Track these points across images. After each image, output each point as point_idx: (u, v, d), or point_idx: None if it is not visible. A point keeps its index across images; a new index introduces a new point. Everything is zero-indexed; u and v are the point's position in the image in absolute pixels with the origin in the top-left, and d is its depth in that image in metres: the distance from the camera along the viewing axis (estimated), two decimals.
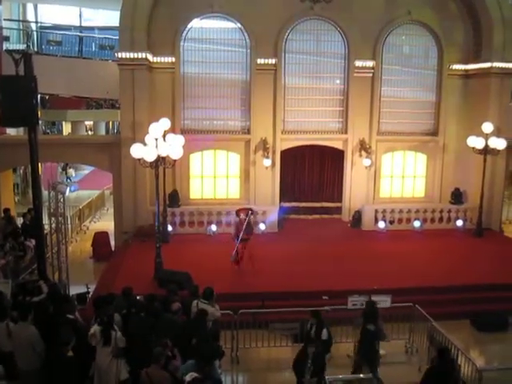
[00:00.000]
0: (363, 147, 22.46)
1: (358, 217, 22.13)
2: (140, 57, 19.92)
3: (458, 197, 22.94)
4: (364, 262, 17.51)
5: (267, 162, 21.84)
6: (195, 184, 22.54)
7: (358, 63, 22.19)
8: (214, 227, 20.69)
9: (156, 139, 15.24)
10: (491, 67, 21.81)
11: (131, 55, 19.84)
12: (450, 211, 22.52)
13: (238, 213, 17.59)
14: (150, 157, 15.01)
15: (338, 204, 23.41)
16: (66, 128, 42.06)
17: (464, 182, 23.01)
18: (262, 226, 20.94)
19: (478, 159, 21.08)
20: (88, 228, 25.23)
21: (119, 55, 19.95)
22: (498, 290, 15.97)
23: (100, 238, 21.28)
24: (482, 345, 14.18)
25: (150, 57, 20.43)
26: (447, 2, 22.36)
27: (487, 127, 20.55)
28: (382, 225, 21.78)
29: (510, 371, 11.44)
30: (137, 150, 15.13)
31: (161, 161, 15.46)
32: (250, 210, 17.65)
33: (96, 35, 28.12)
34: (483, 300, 15.44)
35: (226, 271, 16.28)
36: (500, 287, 16.08)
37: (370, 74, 22.43)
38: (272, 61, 21.74)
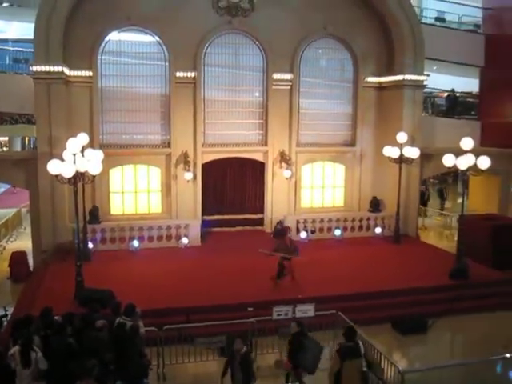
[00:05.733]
0: (283, 159, 22.83)
1: (279, 227, 22.38)
2: (56, 70, 19.41)
3: (376, 205, 23.71)
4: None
5: (188, 176, 21.81)
6: (116, 199, 22.15)
7: (276, 76, 22.56)
8: (136, 243, 20.38)
9: (74, 154, 14.90)
10: (403, 79, 22.70)
11: (47, 69, 19.29)
12: (368, 219, 23.18)
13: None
14: (68, 173, 14.63)
15: (260, 215, 23.62)
16: None
17: (381, 191, 23.78)
18: (184, 240, 20.84)
19: (394, 168, 21.85)
20: (5, 248, 24.20)
21: (34, 69, 19.36)
22: (417, 293, 16.56)
23: (17, 257, 20.42)
24: (404, 347, 14.59)
25: (66, 70, 19.96)
26: (361, 17, 23.13)
27: (401, 137, 21.33)
28: (303, 235, 22.13)
29: (431, 372, 11.90)
30: (54, 166, 14.70)
31: (79, 176, 15.10)
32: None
33: (10, 48, 27.22)
34: (403, 304, 15.93)
35: (149, 287, 16.06)
36: (418, 291, 16.69)
37: (288, 87, 22.85)
38: (191, 74, 21.76)
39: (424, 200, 30.49)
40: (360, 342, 10.79)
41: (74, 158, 14.85)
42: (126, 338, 10.47)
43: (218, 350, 12.93)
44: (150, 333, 12.14)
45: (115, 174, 21.98)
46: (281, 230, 18.47)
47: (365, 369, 10.50)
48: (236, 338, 10.37)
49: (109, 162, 20.12)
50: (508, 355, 12.18)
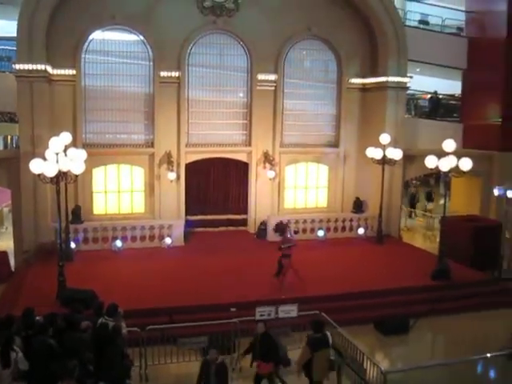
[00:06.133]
0: (267, 159, 22.87)
1: (263, 228, 22.44)
2: (39, 69, 19.27)
3: (359, 206, 23.83)
4: (270, 272, 17.75)
5: (172, 176, 21.76)
6: (99, 199, 22.03)
7: (261, 76, 22.60)
8: (118, 243, 20.27)
9: (57, 154, 14.80)
10: (387, 81, 22.86)
11: (29, 67, 19.13)
12: (351, 220, 23.27)
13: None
14: (51, 172, 14.55)
15: (244, 216, 23.63)
16: None
17: (364, 192, 23.90)
18: (167, 240, 20.79)
19: (377, 169, 21.97)
20: None
21: (17, 67, 19.18)
22: (399, 294, 16.68)
23: None
24: (386, 348, 14.69)
25: (49, 69, 19.83)
26: (345, 18, 23.24)
27: (384, 138, 21.48)
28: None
29: (413, 372, 11.99)
30: (36, 166, 14.62)
31: (62, 176, 15.01)
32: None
33: None
34: (385, 304, 16.03)
35: (132, 287, 16.02)
36: (401, 291, 16.82)
37: (273, 88, 22.90)
38: (175, 74, 21.72)
39: (414, 202, 30.71)
40: (328, 333, 11.06)
41: (57, 157, 14.76)
42: (108, 338, 10.41)
43: (200, 350, 12.92)
44: (133, 333, 12.11)
45: (98, 173, 21.86)
46: (281, 227, 18.62)
47: (332, 357, 10.90)
48: (211, 348, 10.42)
49: (92, 162, 20.00)
50: (489, 355, 12.32)
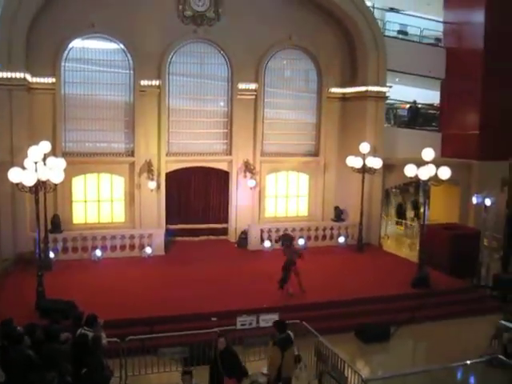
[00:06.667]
0: (247, 168, 22.89)
1: (244, 237, 22.43)
2: (18, 77, 19.08)
3: (339, 214, 23.90)
4: (251, 281, 17.74)
5: (152, 185, 21.67)
6: (78, 208, 21.84)
7: (241, 86, 22.66)
8: (98, 252, 20.12)
9: (36, 163, 14.66)
10: (367, 91, 23.04)
11: (8, 75, 18.93)
12: (332, 228, 23.36)
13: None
14: (29, 181, 14.39)
15: (225, 225, 23.59)
16: None
17: (345, 200, 24.00)
18: (147, 250, 20.67)
19: (357, 178, 22.10)
20: None
21: None
22: (380, 302, 16.75)
23: None
24: (367, 356, 14.74)
25: (28, 77, 19.68)
26: (326, 28, 23.42)
27: (364, 147, 21.62)
28: (267, 244, 22.18)
29: (394, 379, 12.01)
30: (15, 174, 14.44)
31: (41, 185, 14.88)
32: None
33: None
34: (366, 312, 16.08)
35: (112, 297, 15.89)
36: (381, 299, 16.88)
37: (253, 97, 22.96)
38: (156, 82, 21.69)
39: (402, 212, 30.46)
40: (290, 332, 11.33)
41: (36, 166, 14.61)
42: (87, 349, 10.31)
43: (181, 360, 12.84)
44: (113, 344, 12.00)
45: (78, 182, 21.69)
46: (289, 237, 18.73)
47: (297, 353, 11.38)
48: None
49: (71, 171, 19.81)
50: (469, 362, 12.40)
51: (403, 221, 29.71)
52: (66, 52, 20.88)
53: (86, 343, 10.49)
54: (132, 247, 20.82)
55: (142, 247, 20.78)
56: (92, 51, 21.36)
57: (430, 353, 15.42)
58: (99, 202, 22.11)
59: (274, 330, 11.44)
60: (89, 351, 10.23)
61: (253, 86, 22.81)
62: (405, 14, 29.54)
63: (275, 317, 13.31)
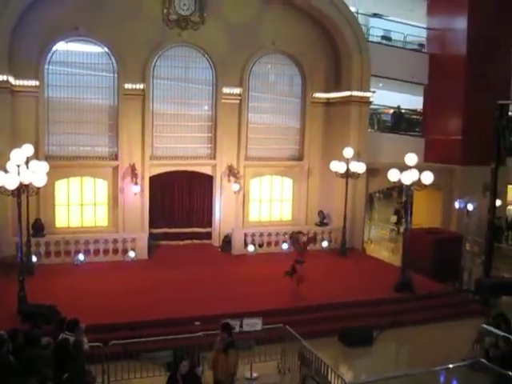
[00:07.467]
0: (231, 172, 22.88)
1: (227, 241, 22.40)
2: (0, 79, 18.99)
3: (322, 219, 23.97)
4: (235, 285, 17.72)
5: (136, 189, 21.58)
6: (61, 212, 21.70)
7: (226, 90, 22.66)
8: (81, 256, 19.97)
9: (18, 166, 14.53)
10: (351, 96, 23.15)
11: None
12: (315, 233, 23.39)
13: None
14: (12, 184, 14.27)
15: (209, 229, 23.54)
16: None
17: (328, 205, 24.05)
18: (131, 254, 20.57)
19: (341, 182, 22.18)
20: None
21: None
22: (363, 306, 16.81)
23: None
24: (350, 360, 14.75)
25: (11, 79, 19.56)
26: (310, 33, 23.50)
27: (348, 152, 21.72)
28: (251, 248, 22.17)
29: (377, 383, 12.05)
30: None
31: (23, 188, 14.75)
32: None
33: None
34: (350, 316, 16.10)
35: (94, 302, 15.74)
36: (364, 303, 16.96)
37: (238, 101, 22.98)
38: (140, 86, 21.62)
39: (400, 217, 30.00)
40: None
41: (18, 169, 14.49)
42: (68, 354, 10.22)
43: (164, 365, 12.77)
44: (95, 349, 11.91)
45: (61, 186, 21.55)
46: (297, 236, 19.08)
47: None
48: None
49: (54, 174, 19.69)
50: (451, 365, 12.47)
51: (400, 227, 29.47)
52: (50, 55, 20.77)
53: (67, 348, 10.41)
54: (115, 251, 20.69)
55: (125, 251, 20.68)
56: (76, 54, 21.27)
57: (413, 356, 15.49)
58: (82, 205, 21.98)
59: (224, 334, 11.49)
60: (70, 356, 10.15)
61: (237, 90, 22.83)
62: (388, 20, 29.76)
63: (258, 321, 13.34)
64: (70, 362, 10.00)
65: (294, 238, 18.93)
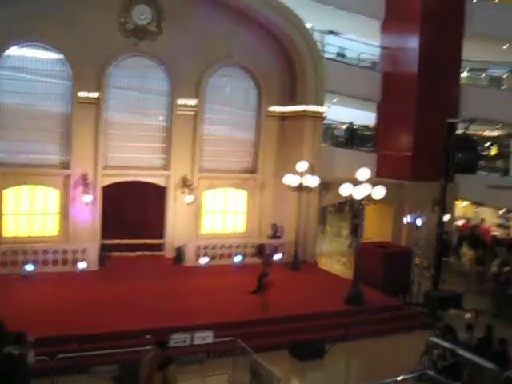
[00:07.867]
0: (185, 184, 22.75)
1: (180, 253, 22.24)
2: None
3: (275, 231, 24.05)
4: (187, 298, 17.59)
5: (87, 198, 21.23)
6: (9, 221, 21.14)
7: (181, 101, 22.60)
8: (29, 267, 19.43)
9: None
10: (305, 110, 23.41)
11: None
12: (271, 245, 23.44)
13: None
14: None
15: (161, 241, 23.31)
16: None
17: (282, 218, 24.15)
18: (81, 265, 20.20)
19: (294, 196, 22.36)
20: None
21: None
22: (314, 319, 16.91)
23: None
24: (301, 373, 14.87)
25: None
26: (266, 47, 23.72)
27: (302, 166, 21.92)
28: (203, 260, 22.06)
29: None
30: None
31: None
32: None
33: None
34: (301, 330, 16.19)
35: (42, 314, 15.38)
36: (315, 316, 17.07)
37: (193, 113, 22.94)
38: (94, 94, 21.35)
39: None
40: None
41: None
42: (12, 368, 9.94)
43: (113, 379, 12.58)
44: (42, 362, 11.63)
45: (9, 194, 21.02)
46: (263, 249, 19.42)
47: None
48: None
49: (2, 182, 19.28)
50: (399, 378, 12.67)
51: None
52: (2, 60, 20.29)
53: (10, 362, 10.12)
54: (65, 262, 20.23)
55: (75, 262, 20.27)
56: (30, 60, 20.84)
57: (364, 369, 15.65)
58: (32, 214, 21.48)
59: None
60: (15, 371, 9.87)
61: (193, 101, 22.80)
62: (343, 38, 30.30)
63: (210, 334, 13.29)
64: (14, 377, 9.72)
65: (261, 250, 18.88)
